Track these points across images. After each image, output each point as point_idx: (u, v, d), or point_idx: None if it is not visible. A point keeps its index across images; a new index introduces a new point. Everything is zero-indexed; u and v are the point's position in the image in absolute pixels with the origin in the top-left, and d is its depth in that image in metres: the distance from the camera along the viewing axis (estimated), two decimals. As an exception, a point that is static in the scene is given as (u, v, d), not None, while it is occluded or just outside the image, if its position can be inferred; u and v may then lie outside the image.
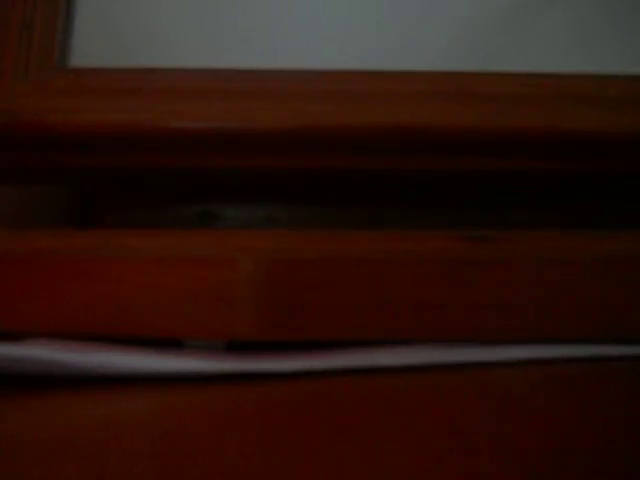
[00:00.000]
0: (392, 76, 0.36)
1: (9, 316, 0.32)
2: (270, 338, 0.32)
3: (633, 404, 0.28)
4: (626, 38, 0.38)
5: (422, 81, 0.36)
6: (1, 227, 0.35)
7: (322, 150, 0.35)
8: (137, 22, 0.38)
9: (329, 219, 0.39)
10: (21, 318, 0.32)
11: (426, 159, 0.35)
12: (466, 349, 0.32)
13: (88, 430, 0.26)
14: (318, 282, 0.32)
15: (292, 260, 0.33)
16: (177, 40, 0.37)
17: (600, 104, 0.35)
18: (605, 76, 0.36)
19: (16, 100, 0.35)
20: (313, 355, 0.32)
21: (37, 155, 0.35)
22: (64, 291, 0.32)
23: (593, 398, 0.29)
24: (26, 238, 0.33)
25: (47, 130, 0.34)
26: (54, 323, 0.32)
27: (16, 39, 0.36)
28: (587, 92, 0.36)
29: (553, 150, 0.35)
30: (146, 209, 0.39)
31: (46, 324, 0.32)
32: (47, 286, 0.32)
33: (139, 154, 0.35)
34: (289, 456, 0.24)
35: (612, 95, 0.36)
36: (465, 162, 0.35)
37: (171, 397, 0.30)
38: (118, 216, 0.39)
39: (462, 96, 0.35)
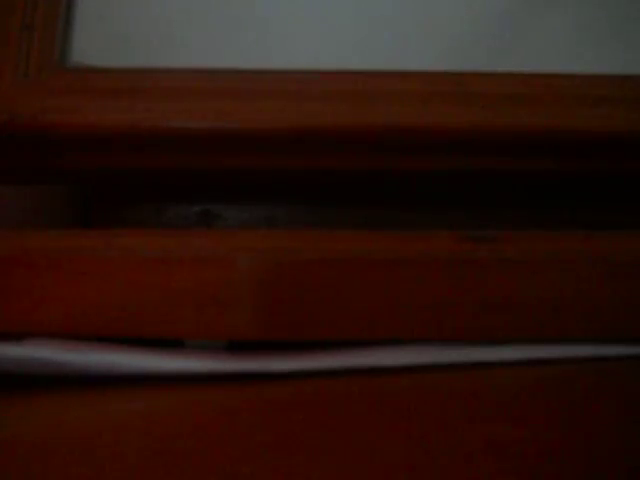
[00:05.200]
0: (392, 76, 0.36)
1: (9, 316, 0.32)
2: (270, 338, 0.32)
3: (633, 404, 0.28)
4: (626, 38, 0.38)
5: (422, 81, 0.36)
6: (1, 227, 0.35)
7: (322, 150, 0.35)
8: (137, 22, 0.38)
9: (329, 219, 0.39)
10: (21, 318, 0.32)
11: (426, 159, 0.35)
12: (466, 349, 0.32)
13: (88, 430, 0.26)
14: (318, 282, 0.32)
15: (292, 260, 0.33)
16: (177, 40, 0.37)
17: (600, 104, 0.35)
18: (605, 76, 0.36)
19: (16, 100, 0.35)
20: (313, 355, 0.32)
21: (37, 155, 0.35)
22: (64, 291, 0.32)
23: (593, 398, 0.29)
24: (26, 238, 0.33)
25: (47, 130, 0.34)
26: (54, 323, 0.32)
27: (16, 39, 0.36)
28: (587, 92, 0.36)
29: (553, 150, 0.35)
30: (146, 209, 0.39)
31: (46, 324, 0.32)
32: (47, 286, 0.32)
33: (139, 154, 0.35)
34: (289, 456, 0.24)
35: (612, 95, 0.35)
36: (465, 162, 0.35)
37: (171, 397, 0.30)
38: (118, 216, 0.39)
39: (462, 96, 0.35)
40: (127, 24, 0.37)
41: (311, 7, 0.38)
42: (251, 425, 0.27)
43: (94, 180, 0.38)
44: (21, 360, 0.30)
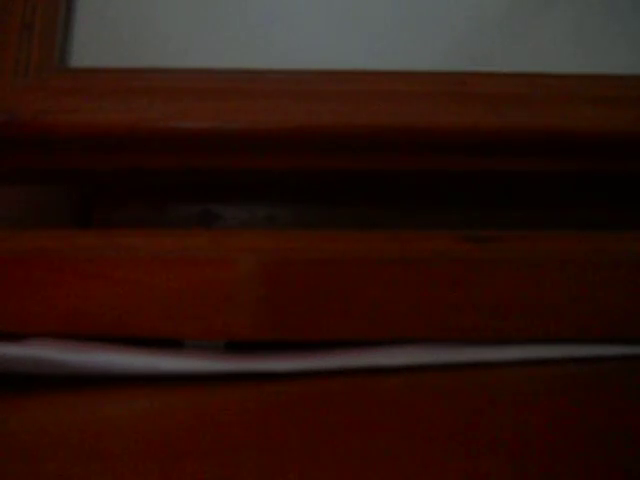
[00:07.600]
0: (392, 76, 0.36)
1: (9, 316, 0.32)
2: (270, 338, 0.32)
3: (633, 404, 0.28)
4: (626, 38, 0.38)
5: (422, 81, 0.36)
6: (1, 227, 0.35)
7: (322, 150, 0.35)
8: (137, 22, 0.38)
9: (329, 219, 0.39)
10: (21, 318, 0.32)
11: (426, 159, 0.35)
12: (466, 349, 0.32)
13: (88, 430, 0.26)
14: (318, 282, 0.32)
15: (292, 260, 0.33)
16: (177, 40, 0.37)
17: (600, 104, 0.35)
18: (605, 76, 0.36)
19: (16, 100, 0.35)
20: (313, 355, 0.32)
21: (37, 155, 0.35)
22: (64, 291, 0.32)
23: (593, 398, 0.29)
24: (26, 238, 0.33)
25: (47, 130, 0.34)
26: (54, 323, 0.32)
27: (16, 39, 0.36)
28: (587, 92, 0.36)
29: (553, 150, 0.35)
30: (146, 209, 0.39)
31: (46, 324, 0.32)
32: (47, 286, 0.32)
33: (139, 154, 0.35)
34: (289, 456, 0.24)
35: (612, 95, 0.36)
36: (465, 162, 0.35)
37: (171, 397, 0.30)
38: (118, 216, 0.39)
39: (462, 96, 0.35)
40: (127, 24, 0.38)
41: (311, 7, 0.38)
42: (251, 425, 0.27)
43: (94, 180, 0.38)
44: (21, 360, 0.30)
